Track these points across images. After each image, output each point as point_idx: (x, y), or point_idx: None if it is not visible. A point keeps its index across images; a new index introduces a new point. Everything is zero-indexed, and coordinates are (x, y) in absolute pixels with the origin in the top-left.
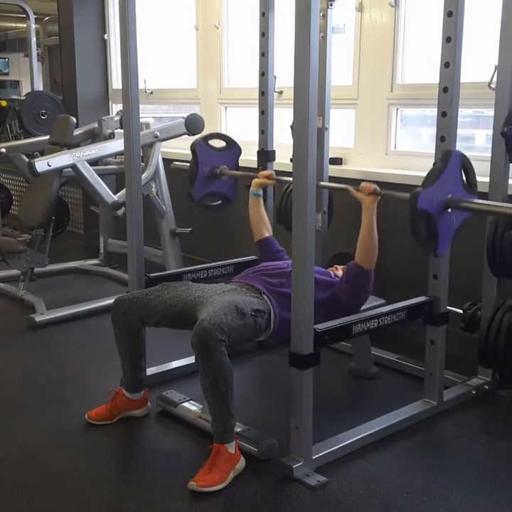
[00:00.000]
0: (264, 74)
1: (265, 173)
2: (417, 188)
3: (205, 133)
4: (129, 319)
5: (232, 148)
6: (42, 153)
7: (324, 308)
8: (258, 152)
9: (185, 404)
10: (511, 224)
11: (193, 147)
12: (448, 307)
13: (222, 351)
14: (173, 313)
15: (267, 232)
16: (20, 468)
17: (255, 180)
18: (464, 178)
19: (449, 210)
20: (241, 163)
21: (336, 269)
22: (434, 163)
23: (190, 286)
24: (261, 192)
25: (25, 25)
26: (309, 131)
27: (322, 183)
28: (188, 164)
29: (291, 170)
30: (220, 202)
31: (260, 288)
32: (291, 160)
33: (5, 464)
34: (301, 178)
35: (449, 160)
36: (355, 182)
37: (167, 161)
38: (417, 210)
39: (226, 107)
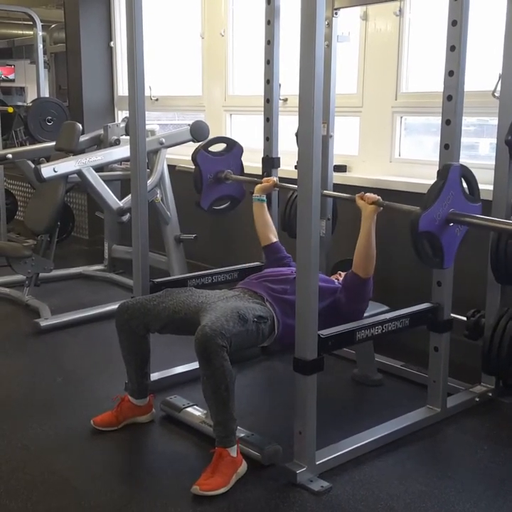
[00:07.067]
0: (269, 81)
1: (269, 179)
2: (417, 210)
3: (205, 141)
4: (133, 324)
5: (234, 148)
6: (48, 160)
7: (325, 316)
8: (263, 159)
9: (190, 410)
10: None
11: (194, 156)
12: (452, 314)
13: (223, 356)
14: (176, 319)
15: (274, 237)
16: (25, 471)
17: (258, 186)
18: (466, 187)
19: (452, 224)
20: (246, 171)
21: (340, 275)
22: (438, 171)
23: (193, 292)
24: (265, 197)
25: (32, 32)
26: (314, 138)
27: (326, 192)
28: (193, 167)
29: (295, 177)
30: (228, 203)
31: (263, 294)
32: (295, 167)
33: (11, 466)
34: (306, 185)
35: (447, 175)
36: (360, 189)
37: (172, 168)
38: (419, 232)
39: (231, 114)
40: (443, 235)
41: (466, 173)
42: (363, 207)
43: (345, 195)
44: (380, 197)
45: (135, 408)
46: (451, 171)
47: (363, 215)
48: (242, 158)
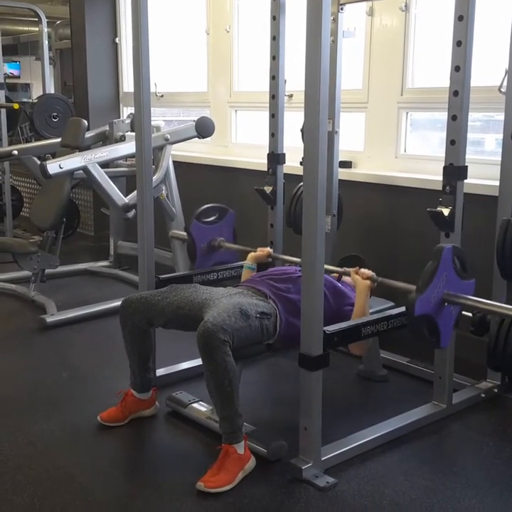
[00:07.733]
0: (274, 77)
1: (263, 249)
2: (413, 292)
3: (197, 211)
4: (137, 319)
5: (226, 216)
6: (53, 156)
7: (331, 320)
8: (268, 155)
9: (195, 405)
10: None
11: (188, 227)
12: None
13: (225, 351)
14: (180, 315)
15: None
16: (31, 467)
17: (251, 254)
18: (458, 265)
19: (447, 304)
20: (251, 167)
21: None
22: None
23: (198, 288)
24: (255, 266)
25: (37, 28)
26: (320, 134)
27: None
28: (186, 235)
29: (301, 173)
30: None
31: (266, 292)
32: (301, 163)
33: (16, 461)
34: (311, 181)
35: (440, 257)
36: (365, 185)
37: (177, 164)
38: (415, 316)
39: (236, 110)
40: (439, 315)
41: (458, 253)
42: (357, 282)
43: (340, 269)
44: (374, 273)
45: (139, 402)
46: (444, 253)
47: (356, 289)
48: (247, 155)
